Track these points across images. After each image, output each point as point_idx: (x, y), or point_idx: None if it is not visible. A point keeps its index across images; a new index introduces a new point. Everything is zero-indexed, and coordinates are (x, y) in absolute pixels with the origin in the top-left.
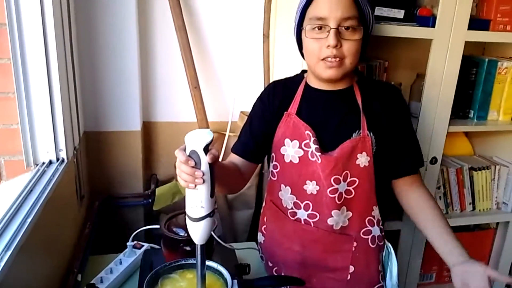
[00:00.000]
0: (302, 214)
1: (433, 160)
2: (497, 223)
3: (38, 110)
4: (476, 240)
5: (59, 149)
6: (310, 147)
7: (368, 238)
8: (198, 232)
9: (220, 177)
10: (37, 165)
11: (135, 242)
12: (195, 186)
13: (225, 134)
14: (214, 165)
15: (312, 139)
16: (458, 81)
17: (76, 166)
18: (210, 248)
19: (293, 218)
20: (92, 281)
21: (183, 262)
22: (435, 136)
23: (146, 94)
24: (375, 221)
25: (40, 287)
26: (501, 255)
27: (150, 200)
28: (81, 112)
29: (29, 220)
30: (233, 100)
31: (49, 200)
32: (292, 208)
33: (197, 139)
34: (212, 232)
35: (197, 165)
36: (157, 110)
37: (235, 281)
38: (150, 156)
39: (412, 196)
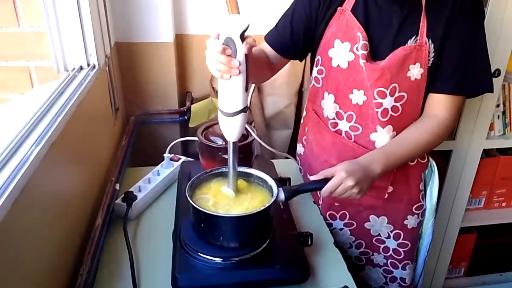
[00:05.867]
0: (344, 125)
1: (496, 73)
2: None
3: (64, 11)
4: None
5: (89, 54)
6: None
7: None
8: (231, 128)
9: (250, 68)
10: (67, 71)
11: (172, 154)
12: (230, 77)
13: None
14: (249, 55)
15: (362, 42)
16: None
17: (108, 75)
18: (248, 162)
19: (333, 130)
20: (130, 190)
21: (224, 169)
22: (501, 45)
23: (178, 3)
24: None
25: (77, 192)
26: None
27: (186, 117)
28: (111, 20)
29: (59, 118)
30: (272, 10)
31: (81, 102)
32: (333, 119)
33: (233, 25)
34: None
35: (232, 54)
36: (190, 22)
37: (281, 188)
38: (184, 73)
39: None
